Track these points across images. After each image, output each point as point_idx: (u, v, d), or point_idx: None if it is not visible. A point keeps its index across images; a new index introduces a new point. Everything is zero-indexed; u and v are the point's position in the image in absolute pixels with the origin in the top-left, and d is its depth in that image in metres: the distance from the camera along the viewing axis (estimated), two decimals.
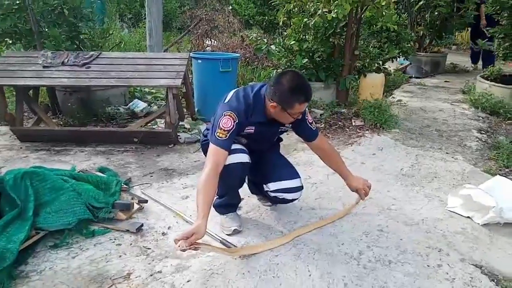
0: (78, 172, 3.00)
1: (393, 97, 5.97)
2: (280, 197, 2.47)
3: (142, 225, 2.43)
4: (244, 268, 2.09)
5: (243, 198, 2.66)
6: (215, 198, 2.38)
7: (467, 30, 8.17)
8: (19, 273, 2.02)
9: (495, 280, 2.08)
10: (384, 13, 4.97)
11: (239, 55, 5.31)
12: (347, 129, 4.46)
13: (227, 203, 2.47)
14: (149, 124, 4.23)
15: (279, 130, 2.44)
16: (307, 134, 2.49)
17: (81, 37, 4.73)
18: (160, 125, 4.33)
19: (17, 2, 4.29)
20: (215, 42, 7.49)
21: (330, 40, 4.97)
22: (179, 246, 1.85)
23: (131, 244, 2.28)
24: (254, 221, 2.59)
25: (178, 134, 4.03)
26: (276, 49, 5.29)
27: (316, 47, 4.98)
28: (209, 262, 2.13)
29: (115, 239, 2.33)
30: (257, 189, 2.70)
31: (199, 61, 4.62)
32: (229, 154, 2.18)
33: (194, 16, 8.45)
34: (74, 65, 3.91)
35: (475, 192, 2.69)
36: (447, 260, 2.22)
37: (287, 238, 2.34)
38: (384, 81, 5.57)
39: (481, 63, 7.99)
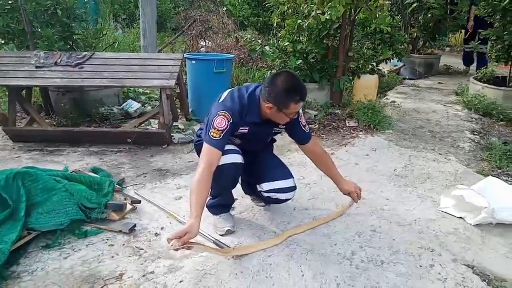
0: (71, 172, 2.98)
1: (387, 98, 5.99)
2: (274, 197, 2.47)
3: (135, 225, 2.42)
4: (237, 269, 2.09)
5: (236, 199, 2.65)
6: (209, 198, 2.38)
7: (461, 32, 8.19)
8: (10, 273, 2.01)
9: (487, 280, 2.09)
10: (377, 15, 5.00)
11: (233, 56, 5.31)
12: (341, 130, 4.47)
13: (220, 203, 2.47)
14: (142, 125, 4.22)
15: (273, 131, 2.45)
16: (300, 136, 2.49)
17: (74, 38, 4.71)
18: (154, 125, 4.31)
19: (10, 2, 4.26)
20: (210, 43, 7.49)
21: (324, 41, 4.99)
22: (172, 245, 1.84)
23: (123, 244, 2.27)
24: (247, 221, 2.58)
25: (172, 134, 4.02)
26: (270, 50, 5.30)
27: (310, 48, 4.99)
28: (201, 263, 2.12)
29: (107, 239, 2.31)
30: (250, 189, 2.70)
31: (193, 61, 4.61)
32: (222, 155, 2.18)
33: (188, 17, 8.45)
34: (67, 65, 3.90)
35: (468, 192, 2.71)
36: (439, 260, 2.23)
37: (280, 238, 2.34)
38: (378, 83, 5.59)
39: (476, 64, 7.97)
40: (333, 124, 4.62)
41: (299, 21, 4.83)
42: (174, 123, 4.32)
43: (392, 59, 6.25)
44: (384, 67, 6.92)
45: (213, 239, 2.30)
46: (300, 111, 2.39)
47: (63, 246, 2.24)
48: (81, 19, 4.74)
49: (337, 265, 2.16)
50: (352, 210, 2.72)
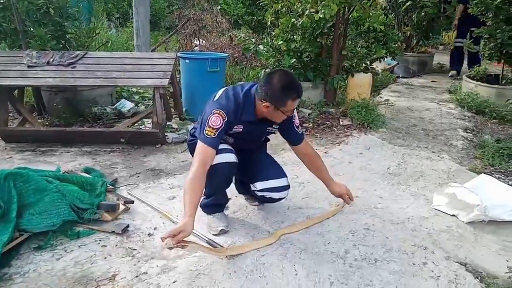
0: (63, 173, 2.97)
1: (381, 97, 6.01)
2: (267, 196, 2.47)
3: (128, 226, 2.41)
4: (230, 268, 2.08)
5: (230, 198, 2.65)
6: (202, 198, 2.38)
7: (454, 30, 8.17)
8: (2, 275, 1.99)
9: (479, 277, 2.10)
10: (371, 13, 5.00)
11: (227, 55, 5.30)
12: (335, 129, 4.48)
13: (214, 203, 2.47)
14: (136, 124, 4.20)
15: (267, 130, 2.44)
16: (293, 137, 2.49)
17: (67, 37, 4.68)
18: (147, 125, 4.30)
19: (2, 1, 4.23)
20: (203, 41, 7.47)
21: (318, 40, 4.99)
22: (165, 244, 1.84)
23: (116, 245, 2.26)
24: (241, 221, 2.58)
25: (165, 134, 4.01)
26: (264, 49, 5.29)
27: (304, 47, 4.99)
28: (195, 263, 2.12)
29: (100, 240, 2.30)
30: (244, 188, 2.70)
31: (187, 61, 4.60)
32: (216, 154, 2.18)
33: (182, 16, 8.41)
34: (60, 65, 3.87)
35: (460, 190, 2.72)
36: (432, 258, 2.24)
37: (274, 237, 2.34)
38: (372, 81, 5.61)
39: (467, 63, 7.91)
40: (327, 122, 4.62)
41: (293, 19, 4.83)
42: (168, 123, 4.31)
43: (386, 57, 6.26)
44: (378, 66, 6.93)
45: (207, 239, 2.29)
46: (295, 112, 2.40)
47: (55, 247, 2.23)
48: (74, 18, 4.71)
49: (331, 263, 2.16)
50: (346, 208, 2.72)
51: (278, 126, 2.39)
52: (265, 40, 5.54)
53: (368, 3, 4.73)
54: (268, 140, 2.72)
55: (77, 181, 2.69)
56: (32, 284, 1.94)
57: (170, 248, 1.88)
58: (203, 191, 2.20)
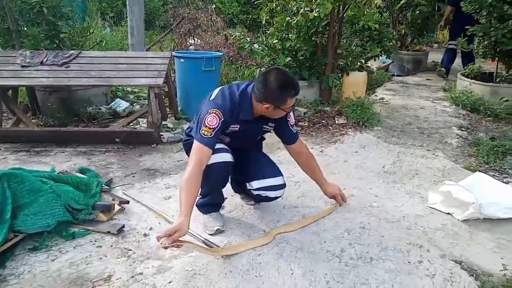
0: (58, 173, 2.95)
1: (376, 95, 6.02)
2: (263, 195, 2.47)
3: (123, 226, 2.41)
4: (226, 268, 2.08)
5: (226, 198, 2.65)
6: (198, 197, 2.37)
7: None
8: None
9: (474, 275, 2.11)
10: (365, 12, 5.01)
11: (222, 54, 5.29)
12: (330, 127, 4.48)
13: (210, 202, 2.46)
14: (131, 124, 4.19)
15: (263, 129, 2.44)
16: (287, 136, 2.50)
17: (61, 36, 4.65)
18: (143, 124, 4.29)
19: None
20: (198, 40, 7.45)
21: (313, 39, 4.99)
22: (161, 243, 1.84)
23: (112, 245, 2.26)
24: (237, 220, 2.58)
25: (161, 133, 4.00)
26: (259, 48, 5.29)
27: (299, 46, 4.99)
28: (191, 263, 2.11)
29: (95, 241, 2.29)
30: (240, 187, 2.69)
31: (182, 60, 4.59)
32: (212, 153, 2.18)
33: (177, 15, 8.38)
34: (53, 65, 3.85)
35: (455, 188, 2.73)
36: (427, 256, 2.25)
37: (269, 237, 2.33)
38: (367, 80, 5.62)
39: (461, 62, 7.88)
40: (323, 121, 4.63)
41: (287, 18, 4.82)
42: (163, 122, 4.29)
43: (381, 56, 6.27)
44: (373, 64, 6.95)
45: (203, 239, 2.29)
46: (291, 112, 2.41)
47: (50, 248, 2.22)
48: (67, 17, 4.69)
49: (327, 262, 2.16)
50: (342, 207, 2.73)
51: (273, 124, 2.40)
52: (260, 39, 5.54)
53: (362, 2, 4.73)
54: (264, 139, 2.72)
55: (72, 181, 2.68)
56: (27, 286, 1.93)
57: (166, 248, 1.88)
58: (199, 191, 2.19)
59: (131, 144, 3.82)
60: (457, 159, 3.73)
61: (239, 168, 2.44)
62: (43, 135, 3.81)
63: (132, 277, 2.00)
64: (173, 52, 4.77)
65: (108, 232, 2.35)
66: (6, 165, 3.27)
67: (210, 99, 2.26)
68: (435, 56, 9.31)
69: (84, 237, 2.32)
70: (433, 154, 3.80)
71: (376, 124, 4.52)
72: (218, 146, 2.24)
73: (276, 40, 5.05)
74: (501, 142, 3.92)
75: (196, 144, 2.15)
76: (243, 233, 2.42)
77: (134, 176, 3.18)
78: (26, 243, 2.23)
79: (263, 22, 5.39)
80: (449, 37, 7.76)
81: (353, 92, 5.10)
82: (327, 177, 2.76)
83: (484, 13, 5.30)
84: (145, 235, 2.37)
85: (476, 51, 5.84)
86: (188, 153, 2.44)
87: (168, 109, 4.55)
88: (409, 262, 2.19)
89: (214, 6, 9.94)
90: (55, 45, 4.53)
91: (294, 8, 4.76)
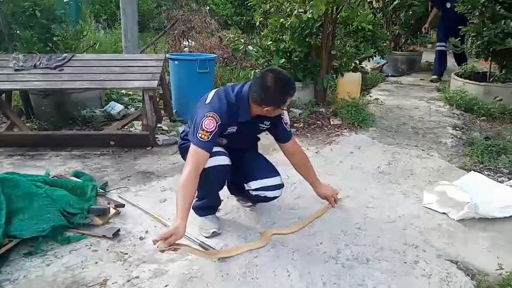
0: (53, 177, 2.93)
1: (370, 96, 6.03)
2: (262, 195, 2.47)
3: (119, 230, 2.39)
4: (223, 271, 2.08)
5: (222, 200, 2.64)
6: (195, 200, 2.37)
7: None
8: None
9: (470, 275, 2.12)
10: (359, 13, 5.02)
11: (216, 55, 5.28)
12: (325, 128, 4.49)
13: (206, 205, 2.46)
14: (126, 127, 4.17)
15: (260, 128, 2.45)
16: (281, 134, 2.50)
17: (54, 39, 4.63)
18: (137, 127, 4.27)
19: None
20: (193, 42, 7.44)
21: (307, 40, 4.99)
22: (157, 247, 1.83)
23: (107, 249, 2.24)
24: (233, 222, 2.58)
25: (156, 136, 3.98)
26: (254, 49, 5.29)
27: (293, 47, 4.99)
28: (187, 266, 2.10)
29: (91, 245, 2.28)
30: (237, 189, 2.69)
31: (176, 62, 4.57)
32: (210, 157, 2.17)
33: (171, 17, 8.37)
34: (47, 68, 3.84)
35: (450, 188, 2.74)
36: (423, 256, 2.26)
37: (265, 238, 2.33)
38: (361, 80, 5.63)
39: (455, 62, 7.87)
40: (318, 122, 4.63)
41: (281, 20, 4.83)
42: (158, 125, 4.28)
43: (375, 56, 6.29)
44: (367, 65, 6.97)
45: (199, 242, 2.28)
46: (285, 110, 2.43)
47: (45, 253, 2.20)
48: (60, 20, 4.68)
49: (323, 264, 2.16)
50: (337, 208, 2.73)
51: (269, 122, 2.41)
52: (255, 41, 5.54)
53: (356, 3, 4.74)
54: (259, 139, 2.72)
55: (67, 185, 2.67)
56: None
57: (162, 251, 1.88)
58: (196, 194, 2.19)
59: (126, 147, 3.80)
60: (451, 158, 3.75)
61: (236, 169, 2.44)
62: (37, 139, 3.79)
63: (128, 281, 1.99)
64: (167, 54, 4.76)
65: (104, 236, 2.34)
66: (0, 169, 3.24)
67: (206, 103, 2.25)
68: (429, 56, 9.34)
69: (79, 241, 2.31)
70: (428, 154, 3.81)
71: (371, 124, 4.54)
72: (215, 149, 2.23)
73: (270, 42, 5.06)
74: (495, 142, 3.94)
75: (193, 148, 2.15)
76: (239, 236, 2.42)
77: (129, 179, 3.17)
78: (21, 248, 2.21)
79: (257, 23, 5.40)
80: (437, 38, 7.76)
81: (348, 93, 5.11)
82: (322, 178, 2.76)
83: (477, 13, 5.33)
84: (141, 238, 2.36)
85: (469, 51, 5.86)
86: (184, 156, 2.45)
87: (163, 112, 4.54)
88: (405, 263, 2.20)
89: (208, 8, 9.95)
90: (48, 48, 4.51)
91: (288, 10, 4.77)
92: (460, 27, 5.63)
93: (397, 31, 8.43)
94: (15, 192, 2.36)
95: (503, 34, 5.02)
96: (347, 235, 2.45)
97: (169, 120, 4.57)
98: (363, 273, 2.09)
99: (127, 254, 2.21)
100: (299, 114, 4.78)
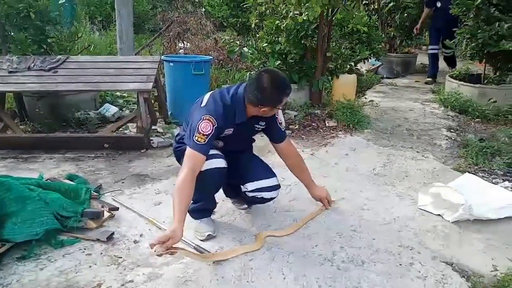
0: (46, 180, 2.91)
1: (366, 98, 6.04)
2: (259, 197, 2.46)
3: (113, 233, 2.38)
4: (218, 274, 2.07)
5: (217, 202, 2.63)
6: (190, 203, 2.35)
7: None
8: None
9: (466, 277, 2.12)
10: (354, 15, 5.03)
11: (211, 57, 5.27)
12: (320, 130, 4.49)
13: (202, 208, 2.45)
14: (120, 129, 4.15)
15: (255, 128, 2.45)
16: (276, 134, 2.51)
17: (49, 41, 4.61)
18: (132, 129, 4.26)
19: None
20: (188, 44, 7.43)
21: (302, 42, 4.99)
22: (155, 250, 1.82)
23: (101, 253, 2.23)
24: (229, 225, 2.57)
25: (151, 138, 3.97)
26: (249, 51, 5.28)
27: (289, 49, 4.99)
28: (182, 269, 2.09)
29: (85, 248, 2.26)
30: (233, 191, 2.68)
31: (171, 64, 4.56)
32: (206, 160, 2.17)
33: (166, 19, 8.36)
34: (41, 70, 3.82)
35: (445, 190, 2.75)
36: (419, 258, 2.26)
37: (260, 241, 2.32)
38: (357, 82, 5.63)
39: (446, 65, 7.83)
40: (313, 124, 4.63)
41: (277, 22, 4.83)
42: (153, 127, 4.26)
43: (370, 58, 6.30)
44: (362, 67, 6.99)
45: (194, 245, 2.27)
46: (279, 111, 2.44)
47: (39, 257, 2.18)
48: (55, 22, 4.65)
49: (318, 266, 2.16)
50: (333, 210, 2.73)
51: (264, 123, 2.42)
52: (250, 43, 5.54)
53: (351, 5, 4.75)
54: (254, 141, 2.71)
55: (60, 188, 2.65)
56: None
57: (159, 255, 1.87)
58: (192, 197, 2.18)
59: (120, 149, 3.79)
60: (446, 160, 3.75)
61: (232, 171, 2.43)
62: (30, 142, 3.77)
63: (123, 285, 1.98)
64: (162, 56, 4.75)
65: (98, 240, 2.32)
66: None
67: (202, 106, 2.25)
68: (424, 58, 9.37)
69: (73, 245, 2.29)
70: (423, 155, 3.82)
71: (366, 126, 4.54)
72: (211, 152, 2.23)
73: (266, 44, 5.06)
74: (489, 143, 3.95)
75: (189, 151, 2.14)
76: (235, 238, 2.41)
77: (123, 182, 3.15)
78: (14, 252, 2.19)
79: (253, 25, 5.40)
80: (429, 42, 7.78)
81: (343, 95, 5.11)
82: (317, 180, 2.76)
83: (471, 16, 5.36)
84: (135, 242, 2.35)
85: (463, 53, 5.88)
86: (179, 160, 2.44)
87: (157, 114, 4.53)
88: (400, 265, 2.19)
89: (203, 9, 9.93)
90: (42, 50, 4.49)
91: (283, 12, 4.77)
92: (453, 29, 5.66)
93: (392, 33, 8.46)
94: (8, 195, 2.34)
95: (497, 36, 5.05)
96: (343, 237, 2.44)
97: (164, 122, 4.55)
98: (359, 275, 2.09)
99: (121, 257, 2.19)
100: (295, 116, 4.78)
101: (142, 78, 3.81)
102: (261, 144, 3.24)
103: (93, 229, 2.42)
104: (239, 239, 2.40)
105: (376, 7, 8.28)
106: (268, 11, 5.04)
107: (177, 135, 2.55)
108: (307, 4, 4.28)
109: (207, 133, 2.13)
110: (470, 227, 2.58)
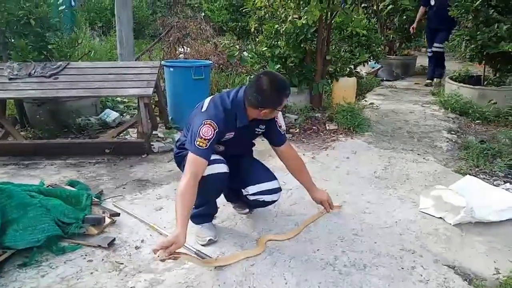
0: (47, 186, 2.91)
1: (366, 100, 6.03)
2: (260, 200, 2.46)
3: (114, 239, 2.38)
4: (219, 280, 2.06)
5: (218, 207, 2.63)
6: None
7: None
8: None
9: (468, 280, 2.11)
10: (353, 18, 5.04)
11: (211, 62, 5.29)
12: (321, 133, 4.49)
13: (203, 213, 2.45)
14: (121, 134, 4.15)
15: (255, 132, 2.46)
16: (276, 137, 2.51)
17: (49, 47, 4.61)
18: (133, 135, 4.26)
19: None
20: (188, 49, 7.44)
21: (302, 45, 5.01)
22: (158, 256, 1.83)
23: (103, 259, 2.22)
24: (230, 230, 2.57)
25: (151, 143, 3.97)
26: (249, 55, 5.30)
27: (288, 53, 5.01)
28: (183, 275, 2.09)
29: (86, 255, 2.26)
30: (234, 195, 2.68)
31: (171, 69, 4.57)
32: (208, 165, 2.17)
33: (166, 24, 8.38)
34: (42, 76, 3.83)
35: (446, 192, 2.74)
36: (420, 261, 2.25)
37: (261, 245, 2.32)
38: (356, 85, 5.64)
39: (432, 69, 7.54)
40: (314, 127, 4.63)
41: (276, 26, 4.85)
42: (154, 132, 4.27)
43: (370, 61, 6.31)
44: (362, 70, 6.99)
45: (195, 250, 2.27)
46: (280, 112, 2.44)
47: (40, 263, 2.18)
48: (55, 28, 4.65)
49: (320, 270, 2.16)
50: (334, 214, 2.72)
51: (264, 126, 2.42)
52: (250, 47, 5.55)
53: (350, 8, 4.77)
54: (254, 144, 2.71)
55: (62, 195, 2.64)
56: None
57: (162, 260, 1.87)
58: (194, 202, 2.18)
59: (121, 155, 3.79)
60: (447, 162, 3.75)
61: (233, 175, 2.43)
62: (31, 148, 3.77)
63: None
64: (162, 61, 4.76)
65: (99, 246, 2.32)
66: None
67: (203, 110, 2.25)
68: (424, 60, 9.37)
69: (74, 251, 2.29)
70: (424, 158, 3.82)
71: (367, 129, 4.54)
72: (213, 157, 2.23)
73: (266, 48, 5.07)
74: (490, 145, 3.95)
75: (191, 156, 2.14)
76: (236, 243, 2.41)
77: (124, 188, 3.16)
78: (15, 259, 2.19)
79: (252, 29, 5.42)
80: (427, 44, 7.78)
81: (343, 98, 5.12)
82: (318, 184, 2.76)
83: (470, 17, 5.37)
84: (136, 247, 2.34)
85: (463, 54, 5.88)
86: (179, 165, 2.44)
87: (158, 119, 4.53)
88: (402, 268, 2.19)
89: (203, 14, 9.96)
90: (43, 57, 4.49)
91: (283, 16, 4.79)
92: (454, 30, 5.67)
93: (391, 36, 8.47)
94: (9, 202, 2.34)
95: (497, 38, 5.06)
96: (344, 241, 2.44)
97: (164, 127, 4.56)
98: (361, 279, 2.09)
99: (122, 264, 2.19)
100: (295, 120, 4.78)
101: (143, 84, 3.81)
102: (261, 148, 3.24)
103: (95, 235, 2.42)
104: (240, 244, 2.40)
105: (375, 9, 8.29)
106: (267, 15, 5.07)
107: (177, 141, 2.56)
108: (306, 8, 4.29)
109: (208, 138, 2.14)
110: (472, 230, 2.58)
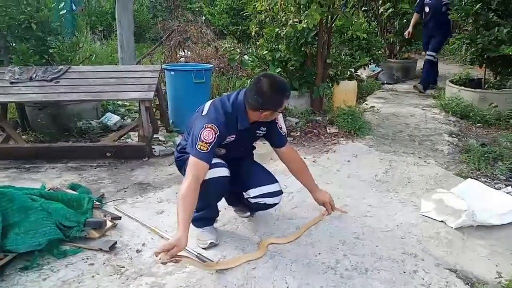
0: (49, 190, 2.91)
1: (366, 104, 6.04)
2: (262, 203, 2.46)
3: (115, 243, 2.38)
4: (221, 283, 2.06)
5: (220, 211, 2.63)
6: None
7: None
8: None
9: (470, 284, 2.11)
10: (353, 22, 5.05)
11: (212, 66, 5.29)
12: (322, 137, 4.49)
13: (205, 216, 2.45)
14: (122, 138, 4.16)
15: (256, 134, 2.46)
16: (276, 139, 2.51)
17: (50, 52, 4.62)
18: (134, 138, 4.26)
19: None
20: (189, 53, 7.45)
21: (302, 49, 5.02)
22: (159, 259, 1.82)
23: (104, 263, 2.22)
24: (231, 233, 2.56)
25: (152, 147, 3.97)
26: (249, 59, 5.31)
27: (289, 57, 5.02)
28: (185, 279, 2.09)
29: (87, 258, 2.26)
30: (235, 198, 2.68)
31: (172, 72, 4.58)
32: (209, 168, 2.17)
33: (167, 28, 8.40)
34: (43, 80, 3.84)
35: (447, 196, 2.74)
36: (422, 265, 2.25)
37: (262, 249, 2.32)
38: (357, 88, 5.64)
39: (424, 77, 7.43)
40: (314, 131, 4.64)
41: (276, 29, 4.86)
42: (155, 135, 4.27)
43: (370, 64, 6.32)
44: (363, 73, 6.99)
45: (196, 253, 2.27)
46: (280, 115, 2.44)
47: (41, 267, 2.18)
48: (56, 32, 4.67)
49: (322, 274, 2.15)
50: (335, 217, 2.72)
51: (265, 128, 2.43)
52: (250, 50, 5.56)
53: (350, 12, 4.78)
54: (254, 148, 2.71)
55: (63, 198, 2.64)
56: None
57: (164, 263, 1.87)
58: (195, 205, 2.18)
59: (122, 158, 3.79)
60: (448, 166, 3.75)
61: (234, 178, 2.43)
62: (33, 152, 3.78)
63: None
64: (163, 65, 4.77)
65: (100, 249, 2.32)
66: None
67: (203, 114, 2.26)
68: None
69: (76, 255, 2.29)
70: (425, 161, 3.82)
71: (368, 132, 4.54)
72: (214, 160, 2.23)
73: (266, 51, 5.08)
74: (491, 148, 3.95)
75: (192, 159, 2.14)
76: (237, 247, 2.41)
77: (126, 191, 3.16)
78: (17, 262, 2.19)
79: (253, 33, 5.42)
80: (423, 49, 7.77)
81: (344, 101, 5.12)
82: (320, 187, 2.75)
83: (470, 21, 5.38)
84: (138, 251, 2.34)
85: (464, 58, 5.89)
86: (180, 169, 2.44)
87: (159, 122, 4.54)
88: (404, 272, 2.19)
89: (204, 18, 9.98)
90: (44, 61, 4.50)
91: (283, 19, 4.80)
92: (454, 34, 5.68)
93: (391, 39, 8.47)
94: (10, 206, 2.34)
95: (497, 41, 5.06)
96: (346, 244, 2.44)
97: (165, 131, 4.56)
98: (362, 283, 2.08)
99: (124, 267, 2.19)
100: (296, 123, 4.79)
101: (144, 87, 3.82)
102: (262, 151, 3.25)
103: (96, 238, 2.42)
104: (241, 247, 2.40)
105: (375, 13, 8.31)
106: (268, 19, 5.07)
107: (178, 145, 2.56)
108: (306, 12, 4.30)
109: (209, 141, 2.14)
110: (474, 233, 2.58)
